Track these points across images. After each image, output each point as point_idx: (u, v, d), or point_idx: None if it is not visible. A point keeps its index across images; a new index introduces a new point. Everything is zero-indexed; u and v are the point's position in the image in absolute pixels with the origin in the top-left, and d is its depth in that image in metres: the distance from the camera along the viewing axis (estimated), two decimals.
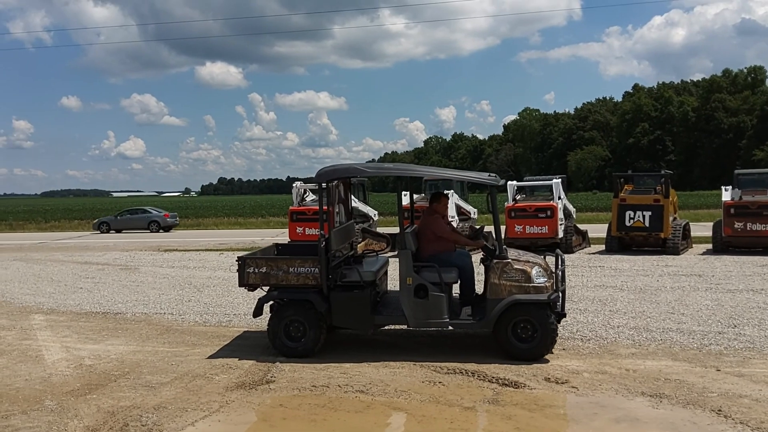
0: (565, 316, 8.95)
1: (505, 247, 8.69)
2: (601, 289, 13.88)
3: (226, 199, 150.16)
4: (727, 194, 20.04)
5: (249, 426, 6.76)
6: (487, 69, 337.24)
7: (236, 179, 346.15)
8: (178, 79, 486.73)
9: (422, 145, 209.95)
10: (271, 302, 9.05)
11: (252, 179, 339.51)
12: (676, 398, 7.01)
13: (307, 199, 23.64)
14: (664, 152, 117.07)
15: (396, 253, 9.18)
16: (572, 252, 20.88)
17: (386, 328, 9.72)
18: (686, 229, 21.05)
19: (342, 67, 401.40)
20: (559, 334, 8.84)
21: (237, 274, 9.17)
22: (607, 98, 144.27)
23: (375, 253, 11.08)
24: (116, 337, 10.65)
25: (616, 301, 12.48)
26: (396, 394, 7.34)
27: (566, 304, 9.12)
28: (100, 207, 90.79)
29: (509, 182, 21.60)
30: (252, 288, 9.25)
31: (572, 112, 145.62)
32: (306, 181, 24.31)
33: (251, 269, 8.98)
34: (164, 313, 12.44)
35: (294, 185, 24.02)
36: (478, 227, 22.28)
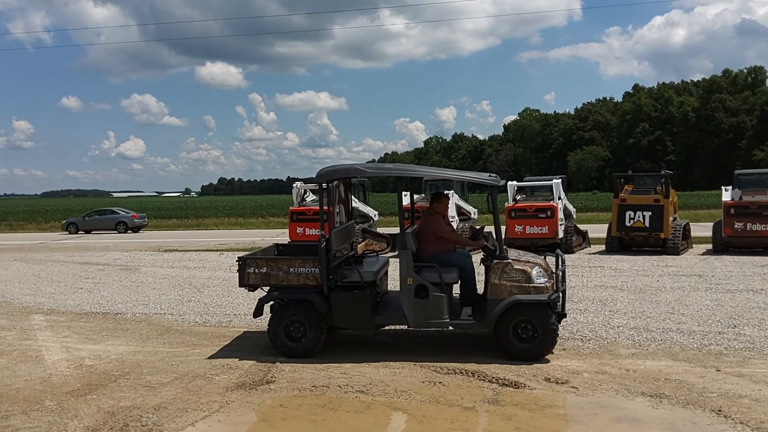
0: (565, 317, 8.96)
1: (505, 247, 8.69)
2: (601, 289, 13.88)
3: (226, 200, 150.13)
4: (727, 194, 20.04)
5: (249, 426, 6.76)
6: (487, 69, 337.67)
7: (236, 179, 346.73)
8: (179, 79, 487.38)
9: (422, 145, 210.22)
10: (271, 302, 9.06)
11: (252, 179, 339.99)
12: (676, 398, 7.01)
13: (308, 199, 23.64)
14: (664, 152, 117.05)
15: (396, 253, 9.18)
16: (572, 252, 20.88)
17: (386, 328, 9.72)
18: (686, 230, 21.05)
19: (342, 67, 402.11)
20: (560, 335, 8.84)
21: (237, 274, 9.16)
22: (608, 98, 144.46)
23: (375, 254, 11.08)
24: (116, 337, 10.65)
25: (616, 301, 12.48)
26: (396, 394, 7.34)
27: (566, 305, 9.13)
28: (100, 207, 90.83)
29: (509, 182, 21.60)
30: (252, 288, 9.25)
31: (572, 112, 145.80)
32: (306, 181, 24.31)
33: (251, 269, 8.98)
34: (164, 314, 12.44)
35: (294, 185, 24.02)
36: (478, 227, 22.29)
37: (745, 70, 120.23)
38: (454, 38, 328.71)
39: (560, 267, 8.83)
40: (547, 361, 8.45)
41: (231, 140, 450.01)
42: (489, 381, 7.72)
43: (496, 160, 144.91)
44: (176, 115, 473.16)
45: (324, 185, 9.01)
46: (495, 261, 8.53)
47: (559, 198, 21.18)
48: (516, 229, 20.65)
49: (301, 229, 22.49)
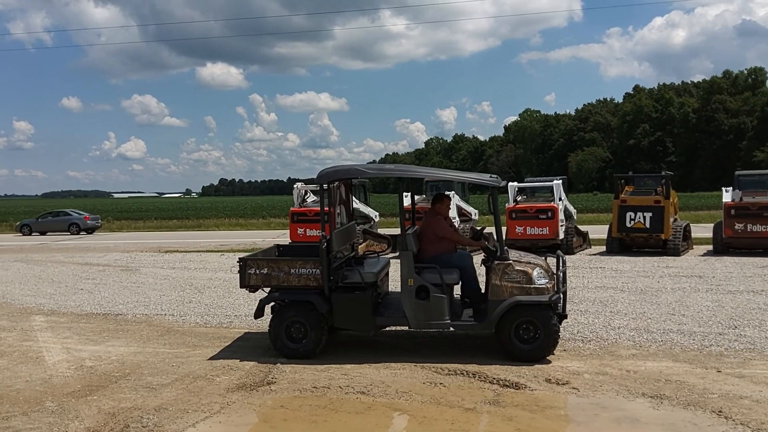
0: (566, 318, 8.97)
1: (506, 248, 8.70)
2: (602, 290, 13.88)
3: (226, 200, 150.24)
4: (727, 195, 20.04)
5: (250, 427, 6.77)
6: (487, 70, 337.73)
7: (237, 180, 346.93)
8: (179, 79, 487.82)
9: (423, 146, 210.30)
10: (272, 303, 9.06)
11: (253, 180, 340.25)
12: (676, 399, 7.01)
13: (308, 200, 23.65)
14: (664, 153, 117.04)
15: (397, 254, 9.18)
16: (573, 253, 20.88)
17: (387, 329, 9.72)
18: (687, 231, 21.05)
19: (343, 68, 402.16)
20: (560, 336, 8.84)
21: (238, 275, 9.16)
22: (608, 99, 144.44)
23: (376, 255, 11.09)
24: (117, 338, 10.66)
25: (616, 302, 12.48)
26: (397, 395, 7.34)
27: (567, 306, 9.13)
28: (100, 208, 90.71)
29: (510, 183, 21.59)
30: (253, 289, 9.26)
31: (573, 113, 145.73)
32: (307, 182, 24.31)
33: (252, 270, 8.99)
34: (165, 315, 12.44)
35: (295, 186, 24.02)
36: (479, 228, 22.22)
37: (746, 71, 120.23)
38: (455, 39, 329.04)
39: (561, 268, 8.84)
40: (548, 362, 8.45)
41: (232, 141, 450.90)
42: (490, 382, 7.72)
43: (496, 161, 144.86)
44: (177, 115, 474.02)
45: (325, 186, 9.02)
46: (496, 262, 8.53)
47: (560, 199, 21.18)
48: (517, 230, 20.66)
49: (302, 230, 22.49)
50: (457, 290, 9.42)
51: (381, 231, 24.32)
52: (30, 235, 41.20)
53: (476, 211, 24.97)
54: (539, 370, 8.14)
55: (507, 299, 8.36)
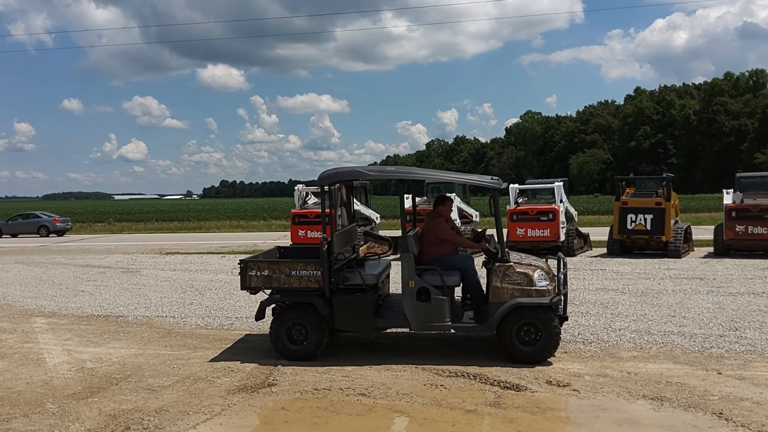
0: (567, 319, 8.97)
1: (507, 250, 8.70)
2: (603, 292, 13.88)
3: (228, 202, 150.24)
4: (728, 197, 20.03)
5: (251, 429, 6.77)
6: (489, 72, 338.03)
7: (238, 182, 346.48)
8: (180, 81, 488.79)
9: (424, 148, 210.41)
10: (273, 305, 9.07)
11: (254, 182, 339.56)
12: (677, 401, 7.01)
13: (309, 202, 23.63)
14: (665, 155, 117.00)
15: (398, 256, 9.18)
16: (574, 255, 20.88)
17: (388, 331, 9.72)
18: (688, 232, 21.05)
19: (344, 69, 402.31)
20: (561, 337, 8.84)
21: (239, 277, 9.17)
22: (609, 101, 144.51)
23: (377, 256, 11.10)
24: (118, 340, 10.66)
25: (617, 304, 12.48)
26: (398, 397, 7.34)
27: (568, 307, 9.13)
28: (101, 210, 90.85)
29: (511, 185, 21.58)
30: (254, 291, 9.26)
31: (574, 115, 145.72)
32: (308, 184, 24.29)
33: (253, 272, 8.99)
34: (166, 316, 12.45)
35: (296, 188, 24.00)
36: (480, 230, 22.24)
37: (747, 73, 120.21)
38: (456, 41, 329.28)
39: (562, 270, 8.84)
40: (549, 364, 8.45)
41: (233, 143, 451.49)
42: (491, 384, 7.72)
43: (497, 162, 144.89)
44: (178, 117, 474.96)
45: (326, 188, 9.03)
46: (497, 264, 8.53)
47: (561, 201, 21.16)
48: (518, 232, 20.65)
49: (303, 231, 22.47)
50: (458, 292, 9.43)
51: (382, 233, 24.31)
52: (0, 237, 41.45)
53: (477, 213, 24.97)
54: (540, 372, 8.14)
55: (508, 301, 8.36)
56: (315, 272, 8.77)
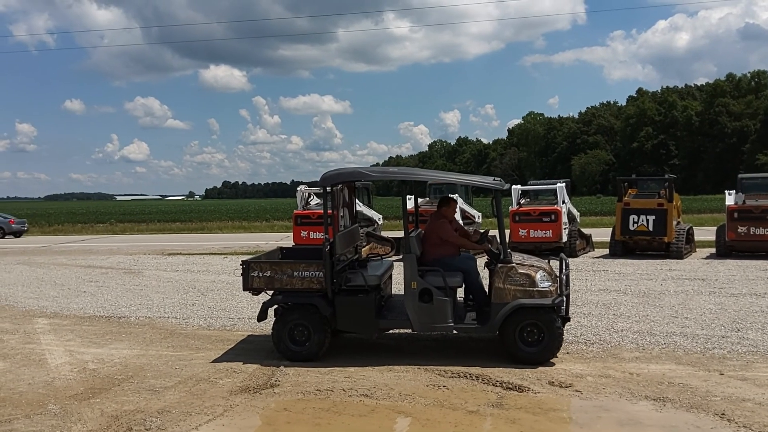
0: (569, 320, 8.96)
1: (509, 251, 8.70)
2: (605, 293, 13.88)
3: (230, 203, 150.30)
4: (730, 198, 20.00)
5: (253, 430, 6.78)
6: (491, 73, 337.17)
7: (240, 183, 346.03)
8: (182, 82, 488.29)
9: (427, 149, 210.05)
10: (275, 306, 9.07)
11: (256, 183, 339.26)
12: (679, 402, 7.01)
13: (312, 202, 23.63)
14: (667, 156, 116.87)
15: (400, 257, 9.19)
16: (576, 256, 20.87)
17: (390, 332, 9.73)
18: (690, 233, 21.04)
19: (346, 70, 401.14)
20: (564, 338, 8.84)
21: (241, 278, 9.18)
22: (611, 102, 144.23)
23: (379, 257, 11.10)
24: (120, 341, 10.67)
25: (619, 305, 12.47)
26: (400, 398, 7.34)
27: (570, 308, 9.13)
28: (103, 210, 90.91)
29: (513, 186, 21.58)
30: (256, 292, 9.27)
31: (576, 116, 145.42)
32: (310, 184, 24.27)
33: (255, 273, 8.99)
34: (168, 317, 12.45)
35: (298, 189, 24.00)
36: (482, 231, 22.20)
37: (749, 75, 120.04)
38: (459, 42, 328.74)
39: (564, 271, 8.85)
40: (551, 365, 8.45)
41: (235, 143, 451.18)
42: (493, 385, 7.72)
43: (500, 163, 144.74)
44: (180, 118, 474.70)
45: (328, 189, 9.03)
46: (499, 265, 8.54)
47: (563, 202, 21.16)
48: (520, 233, 20.65)
49: (306, 232, 22.46)
50: (460, 293, 9.43)
51: (384, 234, 24.31)
52: None
53: (479, 214, 24.95)
54: (542, 372, 8.14)
55: (510, 302, 8.37)
56: (317, 273, 8.78)
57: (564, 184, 21.83)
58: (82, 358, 9.53)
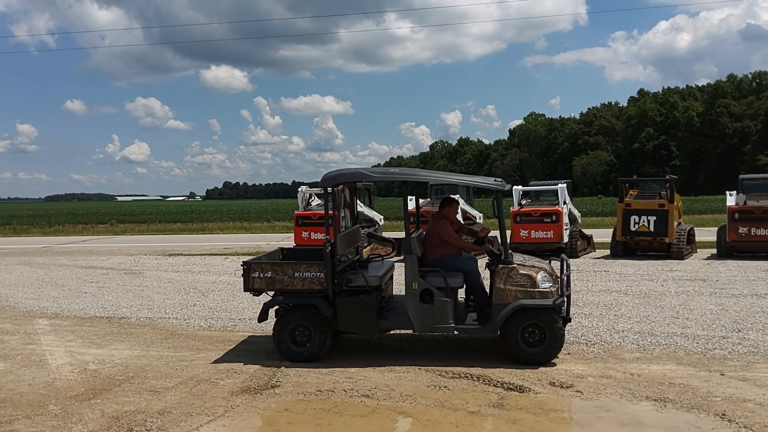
0: (570, 321, 8.97)
1: (510, 251, 8.70)
2: (606, 293, 13.87)
3: (231, 204, 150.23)
4: (731, 199, 19.99)
5: (254, 431, 6.78)
6: (492, 74, 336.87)
7: (241, 183, 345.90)
8: (183, 82, 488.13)
9: (428, 149, 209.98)
10: (276, 307, 9.07)
11: (257, 183, 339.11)
12: (680, 402, 7.01)
13: (313, 203, 23.60)
14: (669, 157, 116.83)
15: (402, 257, 9.19)
16: (577, 257, 20.87)
17: (391, 332, 9.73)
18: (691, 234, 21.02)
19: (348, 71, 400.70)
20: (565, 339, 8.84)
21: (242, 278, 9.18)
22: (613, 103, 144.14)
23: (380, 258, 11.10)
24: (121, 341, 10.67)
25: (620, 305, 12.47)
26: (401, 398, 7.34)
27: (571, 309, 9.14)
28: (104, 211, 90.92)
29: (515, 187, 21.56)
30: (257, 293, 9.28)
31: (578, 117, 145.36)
32: (312, 185, 24.25)
33: (256, 274, 9.00)
34: (169, 318, 12.46)
35: (299, 190, 23.97)
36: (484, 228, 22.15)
37: (750, 75, 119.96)
38: (460, 42, 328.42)
39: (565, 271, 8.85)
40: (552, 366, 8.45)
41: (236, 144, 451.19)
42: (494, 385, 7.73)
43: (501, 164, 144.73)
44: (181, 118, 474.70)
45: (329, 189, 9.03)
46: (500, 266, 8.54)
47: (564, 202, 21.15)
48: (521, 233, 20.62)
49: (307, 233, 22.43)
50: (461, 294, 9.43)
51: (385, 234, 24.31)
52: None
53: (481, 214, 24.94)
54: (543, 373, 8.15)
55: (511, 303, 8.38)
56: (318, 274, 8.78)
57: (565, 185, 21.83)
58: (82, 358, 9.54)
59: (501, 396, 7.37)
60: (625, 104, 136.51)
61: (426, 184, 22.60)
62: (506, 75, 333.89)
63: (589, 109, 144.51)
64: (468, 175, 10.93)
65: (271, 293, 9.13)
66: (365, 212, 23.09)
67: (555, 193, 21.69)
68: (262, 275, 8.97)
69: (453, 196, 11.53)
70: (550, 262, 9.27)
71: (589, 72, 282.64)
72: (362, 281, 8.91)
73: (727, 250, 19.90)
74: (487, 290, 9.04)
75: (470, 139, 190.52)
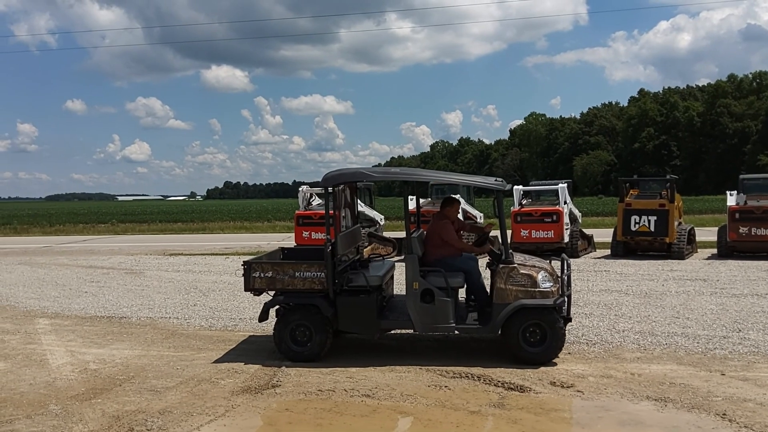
0: (570, 321, 8.97)
1: (511, 251, 8.71)
2: (607, 293, 13.87)
3: (231, 203, 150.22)
4: (732, 199, 19.99)
5: (255, 430, 6.78)
6: (493, 73, 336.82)
7: (242, 183, 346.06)
8: (184, 82, 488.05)
9: (428, 149, 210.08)
10: (276, 307, 9.07)
11: (258, 183, 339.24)
12: (680, 402, 7.01)
13: (314, 203, 23.58)
14: (669, 157, 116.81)
15: (402, 257, 9.19)
16: (578, 256, 20.86)
17: (392, 332, 9.73)
18: (691, 234, 21.01)
19: (348, 71, 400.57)
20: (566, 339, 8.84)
21: (243, 278, 9.18)
22: (613, 103, 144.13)
23: (381, 258, 11.10)
24: (121, 341, 10.67)
25: (621, 305, 12.47)
26: (402, 398, 7.34)
27: (572, 309, 9.14)
28: (105, 211, 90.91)
29: (515, 187, 21.56)
30: (258, 292, 9.28)
31: (578, 116, 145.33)
32: (312, 185, 24.18)
33: (257, 274, 9.00)
34: (169, 318, 12.46)
35: (300, 189, 23.96)
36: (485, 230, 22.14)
37: (750, 75, 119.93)
38: (460, 42, 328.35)
39: (565, 271, 8.84)
40: (553, 365, 8.45)
41: (237, 144, 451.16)
42: (495, 385, 7.73)
43: (502, 164, 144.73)
44: (182, 118, 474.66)
45: (330, 189, 9.03)
46: (501, 265, 8.55)
47: (565, 202, 21.14)
48: (522, 233, 20.61)
49: (307, 233, 22.41)
50: (462, 293, 9.43)
51: (386, 234, 24.30)
52: None
53: (481, 214, 24.94)
54: (544, 373, 8.15)
55: (512, 303, 8.38)
56: (319, 274, 8.78)
57: (566, 185, 21.82)
58: (83, 358, 9.54)
59: (502, 396, 7.37)
60: (626, 104, 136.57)
61: (427, 183, 22.58)
62: (507, 75, 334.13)
63: (589, 109, 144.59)
64: (469, 175, 10.93)
65: (272, 293, 9.13)
66: (366, 212, 23.08)
67: (555, 192, 21.69)
68: (262, 275, 8.98)
69: (454, 196, 11.50)
70: (550, 262, 9.27)
71: (589, 72, 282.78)
72: (363, 281, 8.91)
73: (728, 249, 19.90)
74: (488, 290, 9.05)
75: (471, 139, 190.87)
